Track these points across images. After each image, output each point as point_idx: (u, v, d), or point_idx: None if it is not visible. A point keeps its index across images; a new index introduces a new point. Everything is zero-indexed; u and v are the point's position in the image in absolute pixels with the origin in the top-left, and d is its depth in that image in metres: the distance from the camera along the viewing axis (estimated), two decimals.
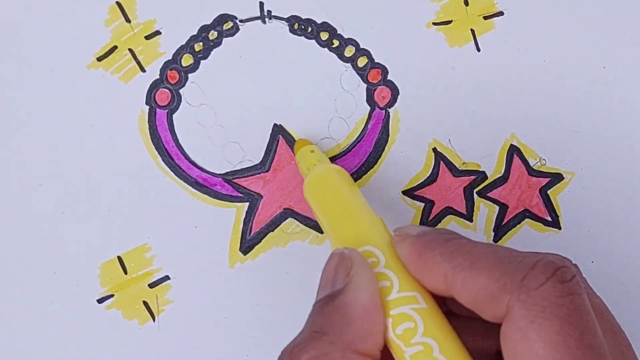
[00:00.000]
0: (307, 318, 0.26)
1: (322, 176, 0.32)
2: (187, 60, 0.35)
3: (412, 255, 0.26)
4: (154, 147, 0.35)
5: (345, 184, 0.31)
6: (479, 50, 0.36)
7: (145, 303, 0.35)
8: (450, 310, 0.29)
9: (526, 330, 0.23)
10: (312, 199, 0.32)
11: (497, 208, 0.36)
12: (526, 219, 0.36)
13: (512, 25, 0.35)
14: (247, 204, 0.36)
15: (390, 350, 0.26)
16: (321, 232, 0.36)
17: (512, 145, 0.36)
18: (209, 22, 0.35)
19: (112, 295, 0.35)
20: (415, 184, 0.36)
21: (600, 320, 0.25)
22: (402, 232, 0.28)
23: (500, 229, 0.36)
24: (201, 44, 0.35)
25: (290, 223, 0.36)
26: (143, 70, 0.35)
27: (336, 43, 0.35)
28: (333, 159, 0.35)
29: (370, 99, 0.36)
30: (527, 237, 0.36)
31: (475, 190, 0.36)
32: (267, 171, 0.36)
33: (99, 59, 0.35)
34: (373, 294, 0.26)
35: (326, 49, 0.35)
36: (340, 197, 0.30)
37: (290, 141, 0.35)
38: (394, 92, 0.36)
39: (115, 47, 0.35)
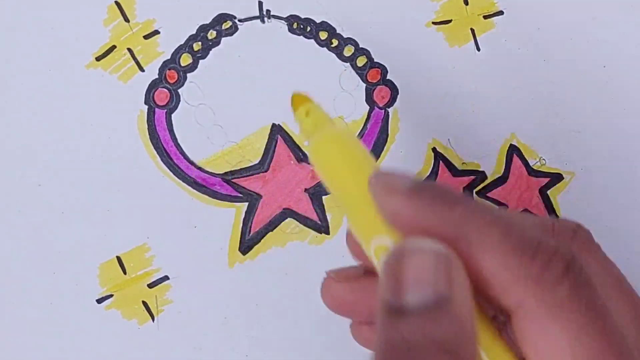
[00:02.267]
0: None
1: (325, 144, 0.27)
2: (185, 59, 0.35)
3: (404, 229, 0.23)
4: (152, 146, 0.35)
5: (352, 152, 0.26)
6: (478, 49, 0.36)
7: (144, 303, 0.35)
8: None
9: (548, 328, 0.22)
10: (320, 171, 0.27)
11: None
12: None
13: (512, 25, 0.35)
14: (247, 203, 0.35)
15: None
16: (320, 232, 0.36)
17: (511, 145, 0.36)
18: (207, 22, 0.35)
19: (111, 295, 0.35)
20: None
21: (619, 293, 0.25)
22: (387, 184, 0.24)
23: None
24: (200, 43, 0.35)
25: (289, 223, 0.36)
26: (142, 69, 0.35)
27: (335, 42, 0.35)
28: None
29: (369, 99, 0.35)
30: None
31: (474, 190, 0.36)
32: (266, 171, 0.35)
33: (98, 59, 0.35)
34: (472, 301, 0.22)
35: (325, 48, 0.35)
36: (349, 171, 0.26)
37: (289, 141, 0.35)
38: (393, 91, 0.35)
39: (114, 47, 0.35)
